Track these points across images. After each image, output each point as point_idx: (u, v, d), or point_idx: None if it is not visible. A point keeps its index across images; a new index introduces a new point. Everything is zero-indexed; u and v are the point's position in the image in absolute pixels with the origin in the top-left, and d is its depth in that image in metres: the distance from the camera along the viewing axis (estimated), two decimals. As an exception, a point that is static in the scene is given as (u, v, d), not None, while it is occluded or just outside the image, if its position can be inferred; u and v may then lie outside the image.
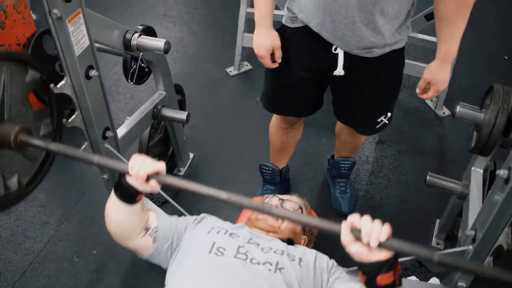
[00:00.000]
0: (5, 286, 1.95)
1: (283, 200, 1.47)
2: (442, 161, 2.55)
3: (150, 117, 1.89)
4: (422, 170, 2.46)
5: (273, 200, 1.46)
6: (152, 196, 1.67)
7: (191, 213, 1.96)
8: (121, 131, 1.74)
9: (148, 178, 1.07)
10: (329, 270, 1.25)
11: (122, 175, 1.11)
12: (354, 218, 0.97)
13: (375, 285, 0.98)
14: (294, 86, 1.70)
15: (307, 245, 1.47)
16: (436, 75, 1.51)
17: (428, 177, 1.71)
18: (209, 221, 1.38)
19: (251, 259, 1.19)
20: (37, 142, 1.19)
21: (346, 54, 1.50)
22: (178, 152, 2.32)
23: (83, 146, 1.54)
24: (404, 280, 1.61)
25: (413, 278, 1.59)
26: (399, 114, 2.81)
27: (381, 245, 0.94)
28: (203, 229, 1.32)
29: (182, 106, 2.32)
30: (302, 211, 1.48)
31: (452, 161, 2.53)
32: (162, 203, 1.68)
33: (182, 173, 2.42)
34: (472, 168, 1.71)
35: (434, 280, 1.70)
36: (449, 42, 1.45)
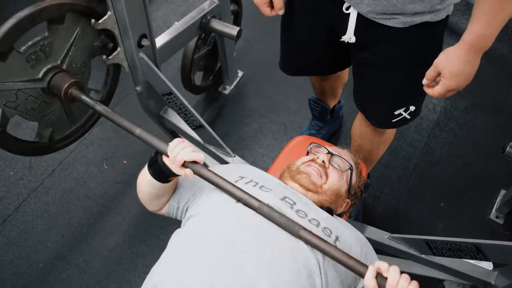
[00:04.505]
0: (35, 181, 1.92)
1: (332, 154, 1.24)
2: (523, 124, 2.21)
3: (197, 28, 1.66)
4: (496, 131, 2.16)
5: (321, 154, 1.24)
6: (186, 118, 1.50)
7: (225, 139, 1.80)
8: (161, 40, 1.53)
9: (184, 165, 1.02)
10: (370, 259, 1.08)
11: (159, 153, 1.05)
12: (382, 265, 0.87)
13: None
14: (304, 46, 1.40)
15: (349, 209, 1.28)
16: (452, 64, 1.04)
17: (508, 147, 1.43)
18: (241, 169, 1.20)
19: None
20: (86, 99, 1.21)
21: (360, 16, 1.16)
22: (226, 69, 2.11)
23: (115, 53, 1.36)
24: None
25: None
26: (481, 62, 2.42)
27: None
28: (230, 178, 1.14)
29: (237, 18, 2.06)
30: (351, 172, 1.26)
31: (534, 125, 2.19)
32: (196, 127, 1.51)
33: (227, 91, 2.23)
34: None
35: (488, 264, 1.49)
36: (486, 22, 0.97)
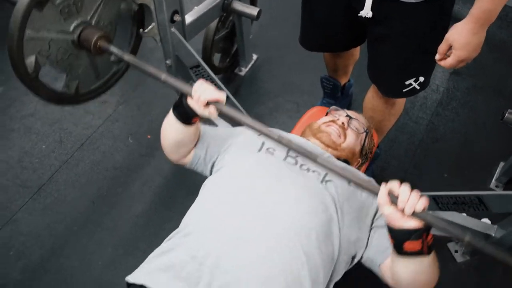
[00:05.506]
0: (65, 153, 2.05)
1: (350, 117, 1.39)
2: (522, 105, 2.34)
3: (220, 8, 1.80)
4: (496, 111, 2.27)
5: (341, 116, 1.38)
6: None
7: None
8: (188, 19, 1.67)
9: (207, 104, 1.09)
10: (375, 207, 1.20)
11: (183, 95, 1.13)
12: (393, 184, 0.96)
13: (402, 250, 0.97)
14: (323, 23, 1.53)
15: (359, 168, 1.42)
16: (461, 36, 1.18)
17: (507, 114, 1.57)
18: None
19: (301, 165, 1.16)
20: (114, 50, 1.29)
21: None
22: (242, 51, 2.25)
23: (150, 27, 1.49)
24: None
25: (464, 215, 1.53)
26: (482, 48, 2.56)
27: (414, 215, 0.94)
28: (253, 132, 1.28)
29: (253, 2, 2.20)
30: (366, 135, 1.40)
31: (531, 106, 2.33)
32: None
33: (243, 73, 2.37)
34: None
35: (486, 221, 1.63)
36: None
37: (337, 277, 1.13)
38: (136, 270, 1.07)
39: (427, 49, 1.38)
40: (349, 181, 1.02)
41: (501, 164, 2.04)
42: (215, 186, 1.16)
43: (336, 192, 1.12)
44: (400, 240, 0.97)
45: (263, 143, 1.21)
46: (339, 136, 1.32)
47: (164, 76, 1.17)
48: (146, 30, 1.49)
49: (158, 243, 1.17)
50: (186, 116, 1.16)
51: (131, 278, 1.04)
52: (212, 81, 1.60)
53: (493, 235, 1.49)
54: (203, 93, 1.08)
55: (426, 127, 2.21)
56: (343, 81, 2.09)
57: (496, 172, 2.03)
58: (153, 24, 1.49)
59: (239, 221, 1.03)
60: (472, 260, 1.74)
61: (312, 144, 1.28)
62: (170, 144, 1.27)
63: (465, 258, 1.74)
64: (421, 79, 1.48)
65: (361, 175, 1.20)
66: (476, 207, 1.38)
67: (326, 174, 1.15)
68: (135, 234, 1.83)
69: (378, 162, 2.05)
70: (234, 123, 1.19)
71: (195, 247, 1.01)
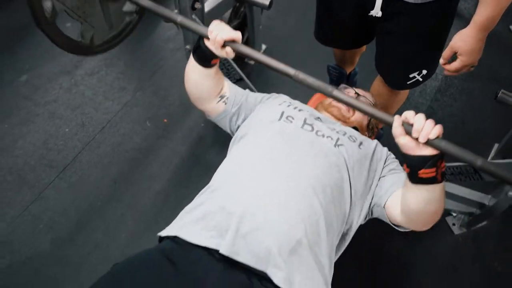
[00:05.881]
0: (87, 136, 2.18)
1: (358, 94, 1.52)
2: (515, 90, 2.48)
3: (233, -2, 1.94)
4: (490, 97, 2.40)
5: (350, 93, 1.51)
6: (228, 73, 1.77)
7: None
8: (205, 8, 1.80)
9: (224, 44, 1.14)
10: (385, 160, 1.33)
11: (201, 38, 1.19)
12: (408, 113, 0.99)
13: (417, 177, 1.01)
14: (336, 20, 1.64)
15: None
16: (466, 43, 1.27)
17: (500, 93, 1.70)
18: (283, 96, 1.47)
19: (316, 131, 1.27)
20: None
21: None
22: (252, 41, 2.38)
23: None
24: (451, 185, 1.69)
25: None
26: (478, 38, 2.71)
27: (428, 143, 0.97)
28: (275, 102, 1.40)
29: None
30: None
31: (524, 92, 2.47)
32: (236, 80, 1.78)
33: (252, 62, 2.50)
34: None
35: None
36: (493, 6, 1.19)
37: (351, 232, 1.26)
38: (168, 227, 1.19)
39: (431, 45, 1.49)
40: (363, 111, 1.06)
41: (496, 145, 2.17)
42: (240, 152, 1.27)
43: (347, 155, 1.23)
44: (415, 167, 1.00)
45: (282, 112, 1.32)
46: (348, 110, 1.45)
47: (180, 18, 1.18)
48: (169, 17, 1.62)
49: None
50: (205, 58, 1.21)
51: (163, 232, 1.16)
52: (228, 65, 1.73)
53: (487, 203, 1.62)
54: (220, 33, 1.12)
55: (425, 112, 2.35)
56: (349, 70, 2.22)
57: (491, 153, 2.16)
58: (176, 11, 1.62)
59: (263, 180, 1.14)
60: (468, 232, 1.88)
61: (324, 116, 1.41)
62: (193, 87, 1.34)
63: (462, 230, 1.87)
64: (424, 72, 1.58)
65: (369, 153, 1.30)
66: (472, 177, 1.52)
67: (338, 139, 1.27)
68: (155, 210, 1.96)
69: (381, 142, 2.18)
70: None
71: (224, 199, 1.13)
